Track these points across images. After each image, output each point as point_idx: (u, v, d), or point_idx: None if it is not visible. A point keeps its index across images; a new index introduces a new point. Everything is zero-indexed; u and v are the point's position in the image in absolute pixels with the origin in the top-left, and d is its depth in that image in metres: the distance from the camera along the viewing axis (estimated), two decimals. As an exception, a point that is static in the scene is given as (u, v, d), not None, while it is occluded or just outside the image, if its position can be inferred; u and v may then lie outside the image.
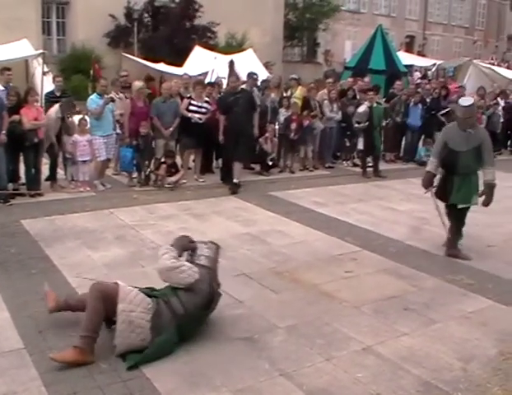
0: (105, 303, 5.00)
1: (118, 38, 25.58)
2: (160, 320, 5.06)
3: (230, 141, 11.45)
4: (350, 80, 16.51)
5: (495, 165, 8.02)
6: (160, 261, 5.29)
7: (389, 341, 5.45)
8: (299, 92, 14.34)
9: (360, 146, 14.03)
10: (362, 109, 13.49)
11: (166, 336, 5.05)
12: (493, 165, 7.91)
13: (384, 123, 14.37)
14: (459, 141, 7.80)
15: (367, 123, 13.34)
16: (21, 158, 10.54)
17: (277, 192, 11.46)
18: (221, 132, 11.66)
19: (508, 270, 7.57)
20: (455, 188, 7.89)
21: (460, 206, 7.97)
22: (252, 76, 13.36)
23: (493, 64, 29.60)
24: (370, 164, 13.86)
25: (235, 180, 11.43)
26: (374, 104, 13.58)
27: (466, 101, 7.98)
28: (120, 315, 4.95)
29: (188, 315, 5.15)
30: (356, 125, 13.67)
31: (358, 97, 14.91)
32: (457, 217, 8.12)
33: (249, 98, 11.91)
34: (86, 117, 11.49)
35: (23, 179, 10.73)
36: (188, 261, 5.49)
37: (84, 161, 11.14)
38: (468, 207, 8.03)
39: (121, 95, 12.24)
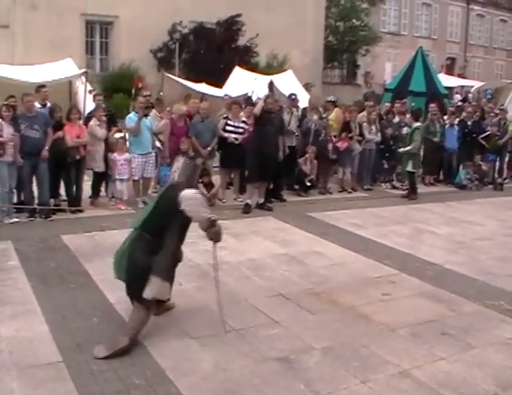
0: None
1: (161, 58, 25.92)
2: None
3: (257, 161, 11.34)
4: (387, 104, 16.48)
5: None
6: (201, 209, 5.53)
7: (426, 366, 5.39)
8: (334, 114, 14.36)
9: (410, 167, 13.74)
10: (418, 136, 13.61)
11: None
12: None
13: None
14: None
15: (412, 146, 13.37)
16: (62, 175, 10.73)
17: (315, 213, 11.44)
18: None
19: (549, 296, 7.44)
20: None
21: None
22: (291, 97, 13.41)
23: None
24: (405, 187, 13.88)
25: (247, 201, 11.45)
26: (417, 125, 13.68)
27: None
28: None
29: None
30: (406, 149, 13.58)
31: (397, 119, 14.87)
32: None
33: (281, 120, 12.00)
34: (122, 134, 11.66)
35: (63, 196, 10.92)
36: None
37: (122, 180, 11.30)
38: None
39: (161, 114, 12.40)
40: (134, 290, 5.63)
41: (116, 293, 6.41)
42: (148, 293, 5.52)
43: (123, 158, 11.26)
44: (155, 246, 5.59)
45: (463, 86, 32.52)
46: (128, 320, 5.73)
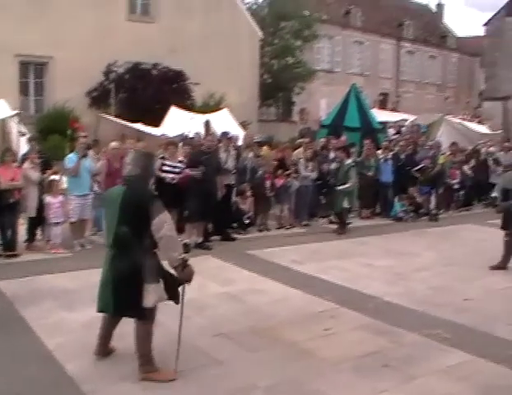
0: None
1: (98, 98, 25.74)
2: None
3: (197, 200, 11.37)
4: (322, 140, 16.77)
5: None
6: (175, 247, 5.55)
7: (369, 399, 5.43)
8: (263, 153, 14.59)
9: (346, 204, 13.89)
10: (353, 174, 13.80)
11: None
12: None
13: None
14: None
15: (351, 183, 13.57)
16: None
17: (255, 251, 11.45)
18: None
19: (485, 323, 7.61)
20: None
21: None
22: (226, 135, 13.47)
23: (465, 120, 30.14)
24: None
25: (186, 241, 11.41)
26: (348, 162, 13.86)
27: None
28: None
29: None
30: (341, 187, 13.66)
31: (333, 155, 15.08)
32: None
33: (217, 159, 12.10)
34: (57, 177, 11.49)
35: (-1, 240, 10.68)
36: None
37: (57, 223, 11.10)
38: None
39: (98, 156, 12.29)
40: (130, 306, 5.60)
41: (55, 339, 6.28)
42: (149, 301, 5.54)
43: (57, 200, 11.08)
44: (135, 255, 5.54)
45: (395, 121, 33.26)
46: (135, 349, 5.73)
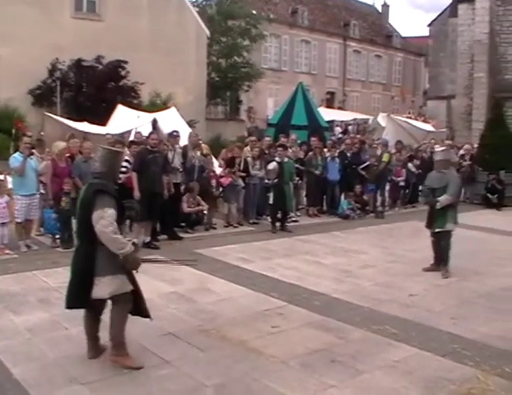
0: None
1: (42, 97, 25.32)
2: None
3: (144, 200, 11.30)
4: (268, 139, 16.84)
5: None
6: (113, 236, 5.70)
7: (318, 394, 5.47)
8: (207, 151, 14.72)
9: (271, 201, 13.99)
10: (271, 166, 13.68)
11: None
12: (451, 195, 9.84)
13: (296, 181, 14.77)
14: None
15: (276, 180, 13.54)
16: None
17: (203, 250, 11.41)
18: (136, 189, 11.46)
19: (429, 317, 7.76)
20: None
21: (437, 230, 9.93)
22: (173, 134, 13.36)
23: (410, 118, 30.66)
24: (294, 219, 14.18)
25: (134, 240, 11.34)
26: (285, 160, 13.84)
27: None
28: None
29: None
30: (267, 181, 13.87)
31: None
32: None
33: (164, 158, 12.02)
34: (2, 177, 11.27)
35: None
36: None
37: (3, 223, 10.87)
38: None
39: (42, 155, 12.08)
40: (78, 295, 5.85)
41: (0, 342, 6.17)
42: (102, 292, 5.77)
43: (3, 201, 10.86)
44: (92, 249, 5.76)
45: (342, 121, 33.68)
46: (109, 332, 6.00)
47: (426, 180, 10.72)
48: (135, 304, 6.08)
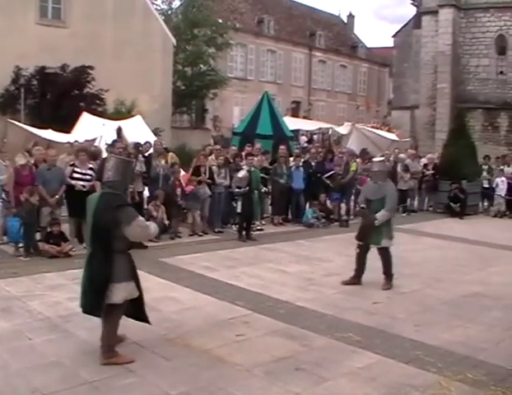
0: None
1: (5, 104, 25.02)
2: None
3: None
4: (234, 148, 16.89)
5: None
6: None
7: (281, 403, 5.49)
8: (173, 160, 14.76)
9: (239, 209, 14.05)
10: (242, 173, 13.71)
11: None
12: (388, 211, 9.64)
13: (262, 189, 14.78)
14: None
15: (247, 188, 13.58)
16: None
17: (167, 259, 11.38)
18: None
19: (393, 325, 7.86)
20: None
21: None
22: (136, 146, 13.44)
23: (375, 127, 30.98)
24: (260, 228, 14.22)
25: None
26: (252, 169, 13.88)
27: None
28: None
29: None
30: (237, 190, 13.89)
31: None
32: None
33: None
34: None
35: None
36: None
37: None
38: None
39: (7, 162, 11.96)
40: (98, 302, 6.05)
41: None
42: (116, 298, 6.06)
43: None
44: (108, 256, 6.03)
45: (308, 130, 33.82)
46: (101, 337, 6.24)
47: (362, 191, 10.73)
48: (137, 308, 6.51)
